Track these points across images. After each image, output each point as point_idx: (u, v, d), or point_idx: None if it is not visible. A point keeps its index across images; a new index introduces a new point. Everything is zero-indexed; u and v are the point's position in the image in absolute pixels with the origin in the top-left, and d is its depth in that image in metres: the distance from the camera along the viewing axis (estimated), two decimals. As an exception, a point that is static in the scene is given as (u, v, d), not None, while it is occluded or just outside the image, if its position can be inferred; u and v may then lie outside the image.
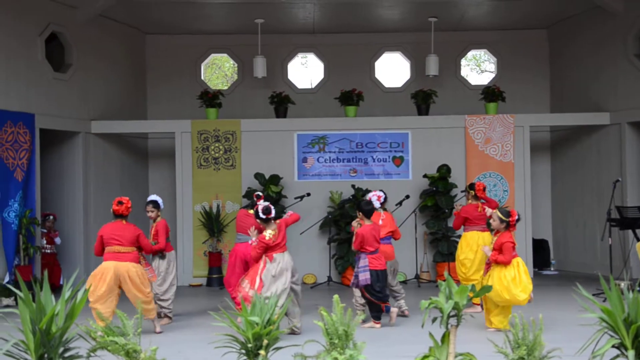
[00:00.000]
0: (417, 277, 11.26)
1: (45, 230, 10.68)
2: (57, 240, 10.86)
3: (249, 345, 4.38)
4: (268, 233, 7.20)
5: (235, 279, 8.08)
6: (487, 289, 4.66)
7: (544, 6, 11.89)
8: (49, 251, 10.69)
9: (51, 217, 10.82)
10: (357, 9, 11.97)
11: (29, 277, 9.30)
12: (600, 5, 11.29)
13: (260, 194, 8.55)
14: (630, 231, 9.98)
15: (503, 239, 7.11)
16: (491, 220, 7.29)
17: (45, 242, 10.69)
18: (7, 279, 9.48)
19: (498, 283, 6.98)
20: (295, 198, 11.16)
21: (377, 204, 8.09)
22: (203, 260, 11.58)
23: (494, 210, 7.33)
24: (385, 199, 8.49)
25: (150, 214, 8.11)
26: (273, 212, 7.22)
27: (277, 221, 7.34)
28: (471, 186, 8.96)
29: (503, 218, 7.11)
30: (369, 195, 8.25)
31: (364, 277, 7.43)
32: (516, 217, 7.16)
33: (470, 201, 8.94)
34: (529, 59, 13.23)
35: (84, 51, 11.29)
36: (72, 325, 4.31)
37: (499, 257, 7.06)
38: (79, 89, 11.22)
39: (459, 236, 10.49)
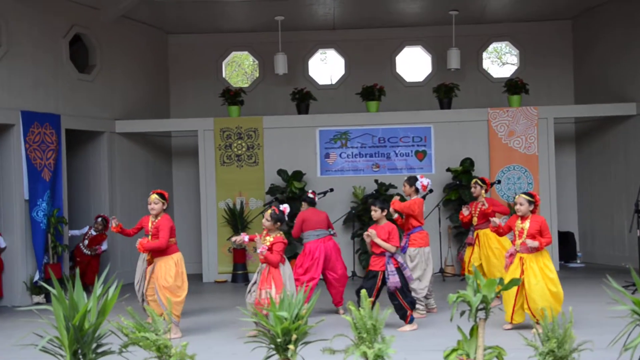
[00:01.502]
0: (441, 271, 11.24)
1: (93, 233, 10.79)
2: (103, 246, 10.87)
3: (278, 340, 4.41)
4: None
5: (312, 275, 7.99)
6: (516, 281, 4.63)
7: (568, -4, 11.78)
8: (87, 252, 10.75)
9: (99, 219, 10.89)
10: (377, 4, 11.94)
11: (58, 275, 9.43)
12: (625, -6, 11.15)
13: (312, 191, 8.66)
14: (658, 223, 9.86)
15: (538, 219, 6.79)
16: (518, 206, 6.88)
17: (86, 242, 10.78)
18: (37, 277, 9.63)
19: (541, 275, 6.66)
20: (318, 194, 11.15)
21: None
22: (227, 257, 11.66)
23: (519, 195, 6.98)
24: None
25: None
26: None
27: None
28: (483, 182, 8.73)
29: (531, 199, 6.83)
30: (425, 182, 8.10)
31: (394, 280, 7.17)
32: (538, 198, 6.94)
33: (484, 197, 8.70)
34: (553, 50, 13.10)
35: (107, 52, 11.40)
36: (104, 321, 4.38)
37: (544, 240, 6.71)
38: (103, 89, 11.35)
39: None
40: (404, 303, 7.15)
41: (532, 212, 6.90)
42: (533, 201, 6.87)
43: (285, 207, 7.19)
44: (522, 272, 6.77)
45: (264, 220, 7.07)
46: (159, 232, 7.18)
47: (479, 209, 8.56)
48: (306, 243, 8.19)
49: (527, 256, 6.81)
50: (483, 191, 8.69)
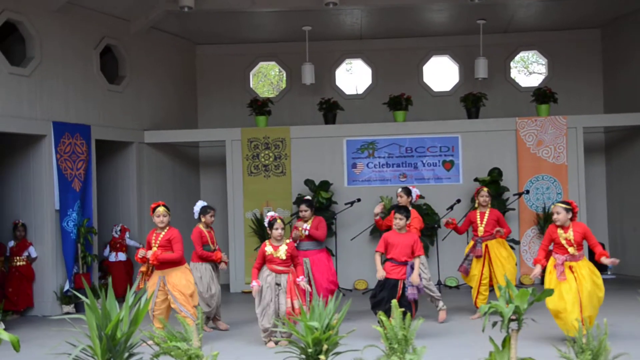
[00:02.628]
0: (470, 282, 11.13)
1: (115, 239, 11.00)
2: (120, 255, 11.05)
3: (309, 350, 4.40)
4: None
5: None
6: (549, 292, 4.57)
7: (597, 5, 11.66)
8: (112, 260, 10.98)
9: (116, 227, 11.10)
10: (405, 14, 11.94)
11: (88, 284, 9.53)
12: (655, 2, 11.02)
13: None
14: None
15: (581, 227, 6.65)
16: (555, 215, 6.70)
17: (108, 250, 11.02)
18: (67, 286, 9.74)
19: (592, 283, 6.56)
20: (346, 204, 11.16)
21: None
22: (255, 267, 11.65)
23: (555, 204, 6.85)
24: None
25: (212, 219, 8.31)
26: None
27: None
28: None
29: (568, 207, 6.68)
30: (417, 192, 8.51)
31: (414, 291, 7.16)
32: (576, 205, 6.81)
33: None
34: (581, 59, 12.98)
35: (136, 63, 11.55)
36: (136, 330, 4.41)
37: (597, 247, 6.61)
38: (132, 100, 11.48)
39: (513, 240, 10.37)
40: (413, 312, 7.16)
41: (572, 219, 6.75)
42: (571, 209, 6.71)
43: (270, 215, 7.39)
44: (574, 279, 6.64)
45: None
46: (173, 245, 7.23)
47: (485, 220, 8.48)
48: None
49: (575, 264, 6.68)
50: (490, 201, 8.76)
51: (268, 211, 11.56)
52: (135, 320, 4.42)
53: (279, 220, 7.20)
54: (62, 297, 9.73)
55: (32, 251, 9.80)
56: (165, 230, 7.28)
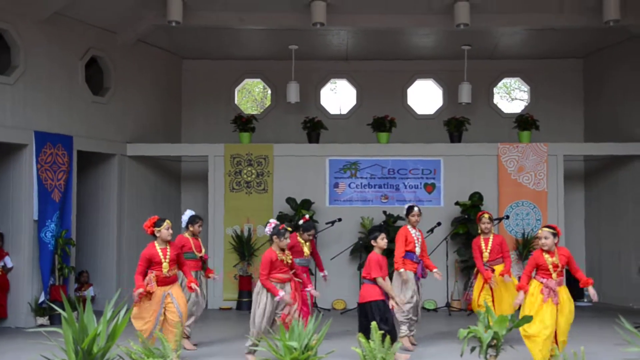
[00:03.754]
0: (447, 305, 11.16)
1: None
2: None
3: (287, 370, 4.38)
4: None
5: None
6: (528, 319, 4.61)
7: (580, 36, 11.87)
8: None
9: None
10: (391, 37, 12.06)
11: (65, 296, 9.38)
12: (638, 35, 11.23)
13: None
14: (667, 263, 9.82)
15: (565, 252, 6.70)
16: (543, 240, 6.71)
17: None
18: (42, 298, 9.60)
19: (568, 309, 6.61)
20: (327, 223, 11.17)
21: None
22: (233, 284, 11.62)
23: (542, 229, 6.84)
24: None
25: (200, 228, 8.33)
26: None
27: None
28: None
29: (554, 231, 6.72)
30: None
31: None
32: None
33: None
34: (563, 87, 13.18)
35: (122, 75, 11.52)
36: (113, 345, 4.37)
37: (580, 273, 6.67)
38: (116, 112, 11.44)
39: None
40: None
41: (556, 244, 6.81)
42: (556, 233, 6.77)
43: (272, 222, 7.17)
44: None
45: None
46: (180, 257, 7.22)
47: (490, 246, 8.45)
48: None
49: (560, 290, 6.70)
50: (492, 227, 8.64)
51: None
52: (112, 335, 4.38)
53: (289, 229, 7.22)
54: (36, 309, 9.59)
55: (8, 261, 9.66)
56: (167, 245, 7.02)
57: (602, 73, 12.63)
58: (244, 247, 11.51)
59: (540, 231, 6.86)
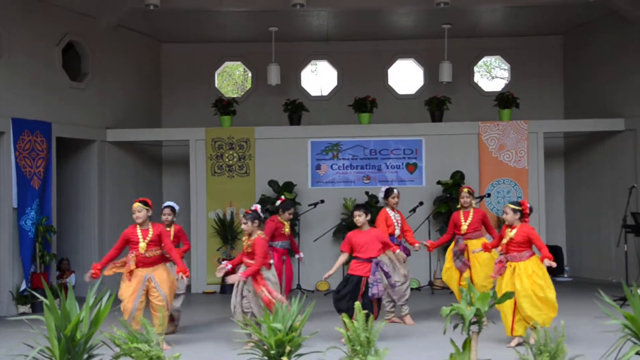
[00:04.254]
0: (430, 284, 11.25)
1: None
2: None
3: (272, 352, 4.40)
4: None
5: None
6: (510, 295, 4.65)
7: (560, 13, 11.89)
8: None
9: None
10: (371, 17, 12.01)
11: (47, 284, 9.33)
12: (618, 11, 11.28)
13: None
14: (646, 237, 9.95)
15: (526, 228, 6.82)
16: (504, 215, 6.94)
17: None
18: (23, 286, 9.54)
19: (529, 282, 6.67)
20: (309, 205, 11.18)
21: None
22: (216, 268, 11.58)
23: (506, 205, 7.02)
24: None
25: (167, 217, 8.09)
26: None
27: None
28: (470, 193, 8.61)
29: (516, 208, 6.87)
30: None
31: (378, 289, 7.15)
32: (528, 207, 6.95)
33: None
34: (543, 65, 13.22)
35: (100, 60, 11.38)
36: (97, 332, 4.35)
37: (543, 249, 6.76)
38: (95, 97, 11.31)
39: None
40: (376, 312, 7.13)
41: (522, 220, 6.90)
42: (519, 210, 6.87)
43: (257, 206, 7.21)
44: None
45: (242, 226, 7.11)
46: (164, 239, 7.04)
47: (470, 219, 8.49)
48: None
49: (518, 264, 6.81)
50: (473, 201, 8.66)
51: (232, 212, 11.53)
52: (95, 321, 4.37)
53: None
54: (18, 297, 9.52)
55: (-11, 250, 9.58)
56: (149, 227, 7.01)
57: (582, 49, 12.69)
58: (226, 230, 11.49)
59: (505, 206, 7.06)
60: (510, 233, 6.88)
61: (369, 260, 7.17)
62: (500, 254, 7.03)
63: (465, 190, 8.60)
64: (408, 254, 8.46)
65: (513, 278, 6.76)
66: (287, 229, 8.48)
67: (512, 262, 6.85)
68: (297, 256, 8.85)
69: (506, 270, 6.86)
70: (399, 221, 8.41)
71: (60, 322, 4.23)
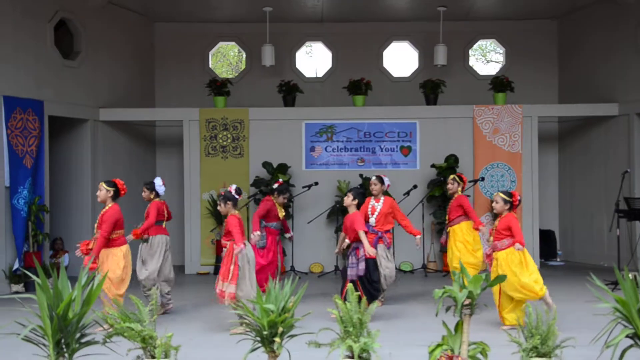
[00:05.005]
0: (424, 266, 11.29)
1: None
2: None
3: (264, 332, 4.40)
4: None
5: None
6: (502, 278, 4.67)
7: (555, -4, 11.85)
8: None
9: None
10: (366, -2, 11.93)
11: (39, 263, 9.31)
12: (611, -5, 11.25)
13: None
14: (638, 222, 10.00)
15: (508, 217, 6.85)
16: (494, 204, 6.98)
17: None
18: (16, 265, 9.52)
19: (508, 270, 6.69)
20: (303, 187, 11.17)
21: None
22: (210, 249, 11.62)
23: (497, 193, 7.03)
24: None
25: (142, 194, 8.10)
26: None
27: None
28: (461, 179, 8.57)
29: (507, 198, 6.88)
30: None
31: (353, 272, 7.34)
32: (518, 199, 6.98)
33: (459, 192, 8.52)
34: (538, 49, 13.18)
35: (93, 38, 11.28)
36: (89, 311, 4.34)
37: (517, 235, 6.77)
38: (88, 76, 11.23)
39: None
40: (361, 293, 7.17)
41: (510, 210, 6.92)
42: (509, 201, 6.89)
43: (232, 187, 7.19)
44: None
45: (218, 208, 7.12)
46: (102, 225, 6.94)
47: (449, 207, 8.52)
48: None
49: (499, 254, 6.87)
50: (460, 188, 8.60)
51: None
52: (88, 300, 4.36)
53: None
54: (11, 276, 9.52)
55: (-19, 229, 9.55)
56: (106, 208, 7.06)
57: (576, 34, 12.66)
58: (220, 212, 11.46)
59: (495, 194, 7.05)
60: (495, 222, 6.97)
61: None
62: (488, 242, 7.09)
63: (450, 177, 8.57)
64: (388, 245, 8.25)
65: (497, 268, 6.82)
66: (281, 213, 8.41)
67: (495, 251, 6.91)
68: (287, 235, 8.81)
69: (493, 261, 6.94)
70: (378, 210, 8.19)
71: (53, 301, 4.21)
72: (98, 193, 7.12)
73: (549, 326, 4.36)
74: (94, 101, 11.36)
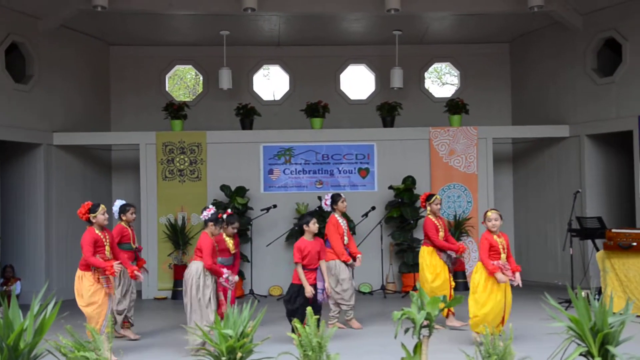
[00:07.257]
0: (382, 288, 11.32)
1: None
2: None
3: (223, 358, 4.35)
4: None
5: None
6: (459, 299, 4.71)
7: (506, 21, 12.15)
8: None
9: None
10: (322, 22, 12.05)
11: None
12: (561, 21, 11.59)
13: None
14: (590, 241, 10.22)
15: (506, 236, 7.02)
16: (493, 222, 6.83)
17: None
18: (-34, 294, 9.24)
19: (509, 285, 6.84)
20: (262, 210, 11.14)
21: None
22: (168, 273, 11.46)
23: (491, 210, 7.00)
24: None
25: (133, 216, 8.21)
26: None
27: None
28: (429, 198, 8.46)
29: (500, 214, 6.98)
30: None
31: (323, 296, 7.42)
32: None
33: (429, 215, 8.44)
34: (492, 72, 13.49)
35: (45, 62, 11.12)
36: (41, 340, 4.23)
37: (512, 257, 6.98)
38: (41, 100, 11.04)
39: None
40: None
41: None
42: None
43: (211, 208, 7.18)
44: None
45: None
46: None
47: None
48: None
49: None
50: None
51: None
52: (40, 329, 4.24)
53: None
54: (-40, 306, 9.20)
55: None
56: (105, 231, 6.99)
57: (528, 58, 12.99)
58: (178, 235, 11.36)
59: (490, 213, 6.97)
60: (501, 240, 6.97)
61: (315, 269, 7.39)
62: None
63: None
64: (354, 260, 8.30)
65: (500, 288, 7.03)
66: (230, 245, 7.71)
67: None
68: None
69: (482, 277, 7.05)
70: (346, 227, 8.40)
71: (3, 331, 4.09)
72: (106, 217, 6.91)
73: (506, 346, 4.41)
74: (48, 125, 11.17)
